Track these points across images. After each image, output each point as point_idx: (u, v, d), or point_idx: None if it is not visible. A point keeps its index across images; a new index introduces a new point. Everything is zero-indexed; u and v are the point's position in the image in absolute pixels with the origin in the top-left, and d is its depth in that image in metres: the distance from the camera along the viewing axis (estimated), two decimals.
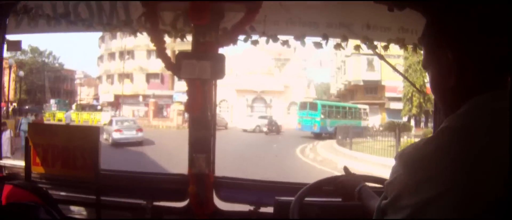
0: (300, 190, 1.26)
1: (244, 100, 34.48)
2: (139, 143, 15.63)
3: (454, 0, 0.76)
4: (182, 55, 1.70)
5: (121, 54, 36.70)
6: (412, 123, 26.38)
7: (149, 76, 36.71)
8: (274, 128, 23.52)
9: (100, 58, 41.26)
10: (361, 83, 33.22)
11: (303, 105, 23.26)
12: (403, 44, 1.94)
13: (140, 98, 35.43)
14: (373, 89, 33.77)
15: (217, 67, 1.67)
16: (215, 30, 1.70)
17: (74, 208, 2.07)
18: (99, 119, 29.86)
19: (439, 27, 0.75)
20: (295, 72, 36.91)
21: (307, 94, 33.86)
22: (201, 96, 1.70)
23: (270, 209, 1.70)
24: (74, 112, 32.63)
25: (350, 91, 37.07)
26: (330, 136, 19.64)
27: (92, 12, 1.84)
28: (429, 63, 0.77)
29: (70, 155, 1.94)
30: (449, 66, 0.70)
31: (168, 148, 14.50)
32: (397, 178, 0.67)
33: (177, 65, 1.70)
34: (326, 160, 12.22)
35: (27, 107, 29.62)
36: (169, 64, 1.73)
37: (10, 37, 1.94)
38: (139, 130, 16.54)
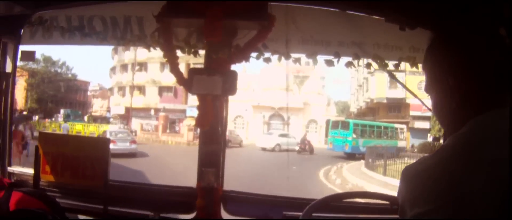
0: (308, 205, 1.27)
1: (261, 117, 33.24)
2: (132, 154, 15.60)
3: (453, 25, 0.79)
4: (194, 71, 1.71)
5: (134, 66, 36.03)
6: (441, 142, 25.77)
7: (162, 90, 35.31)
8: (307, 147, 21.48)
9: (113, 69, 40.11)
10: (385, 101, 31.68)
11: (334, 124, 22.26)
12: (414, 63, 1.95)
13: (152, 112, 34.28)
14: (396, 107, 32.06)
15: (229, 84, 1.68)
16: (228, 47, 1.71)
17: (81, 217, 2.09)
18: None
19: (440, 53, 0.77)
20: (314, 89, 35.48)
21: (327, 112, 33.29)
22: (211, 111, 1.71)
23: None
24: (81, 123, 31.27)
25: (372, 110, 35.59)
26: (364, 156, 17.61)
27: (107, 25, 1.86)
28: (432, 87, 0.79)
29: (80, 165, 1.95)
30: (451, 90, 0.73)
31: (170, 164, 13.86)
32: (400, 192, 0.72)
33: (189, 81, 1.71)
34: (351, 185, 10.94)
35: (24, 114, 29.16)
36: (181, 79, 1.75)
37: (24, 47, 1.97)
38: (133, 141, 16.84)
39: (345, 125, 21.62)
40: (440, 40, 0.78)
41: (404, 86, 2.26)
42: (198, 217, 1.85)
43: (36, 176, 2.00)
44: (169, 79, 31.43)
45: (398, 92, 30.25)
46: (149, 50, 1.90)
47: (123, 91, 37.49)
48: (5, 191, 1.86)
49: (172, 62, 1.73)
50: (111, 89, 40.86)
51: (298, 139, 23.39)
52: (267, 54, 1.83)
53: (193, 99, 28.77)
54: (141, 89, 35.83)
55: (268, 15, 1.69)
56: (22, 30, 1.93)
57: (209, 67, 1.70)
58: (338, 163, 16.78)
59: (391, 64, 1.91)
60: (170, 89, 34.56)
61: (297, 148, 21.76)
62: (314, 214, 1.25)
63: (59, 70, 45.69)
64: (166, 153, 18.04)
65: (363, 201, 1.99)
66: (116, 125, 30.76)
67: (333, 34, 1.86)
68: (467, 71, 0.71)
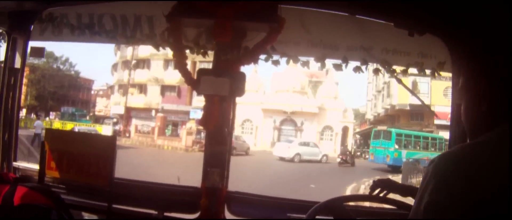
0: (311, 207, 1.27)
1: (271, 121, 30.20)
2: None
3: (486, 29, 0.82)
4: (202, 71, 1.72)
5: (136, 63, 32.77)
6: None
7: (165, 89, 32.52)
8: (348, 158, 19.70)
9: (114, 66, 36.96)
10: (408, 107, 27.93)
11: (376, 134, 20.98)
12: (421, 69, 1.94)
13: (153, 113, 31.40)
14: (418, 115, 28.61)
15: (237, 85, 1.69)
16: (237, 48, 1.72)
17: (85, 214, 2.09)
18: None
19: (474, 55, 0.80)
20: (330, 93, 31.84)
21: (344, 118, 30.71)
22: (217, 112, 1.72)
23: None
24: (72, 123, 27.46)
25: (391, 117, 32.52)
26: None
27: (117, 24, 1.87)
28: (463, 88, 0.83)
29: (85, 162, 1.96)
30: (483, 92, 0.76)
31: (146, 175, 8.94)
32: (424, 180, 0.76)
33: (197, 81, 1.72)
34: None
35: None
36: (189, 79, 1.75)
37: (33, 43, 1.98)
38: None
39: (387, 135, 20.06)
40: (476, 47, 0.84)
41: (411, 92, 2.24)
42: (202, 217, 1.85)
43: (41, 171, 2.01)
44: (173, 77, 30.01)
45: (422, 98, 26.72)
46: (158, 50, 1.91)
47: (124, 89, 34.34)
48: (10, 186, 1.87)
49: (180, 62, 1.74)
50: (111, 88, 37.81)
51: (322, 148, 21.92)
52: (275, 57, 1.83)
53: (198, 101, 27.20)
54: (143, 88, 33.14)
55: (278, 17, 1.70)
56: (32, 26, 1.94)
57: (218, 68, 1.71)
58: (375, 176, 14.25)
59: (399, 70, 1.91)
60: (173, 88, 32.26)
61: (318, 157, 20.21)
62: (317, 217, 1.25)
63: (62, 67, 44.09)
64: (155, 160, 15.38)
65: (367, 205, 1.98)
66: (109, 125, 28.83)
67: (342, 38, 1.86)
68: (500, 74, 0.75)
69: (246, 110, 28.10)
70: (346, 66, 1.84)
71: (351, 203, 1.76)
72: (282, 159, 19.49)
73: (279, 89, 30.67)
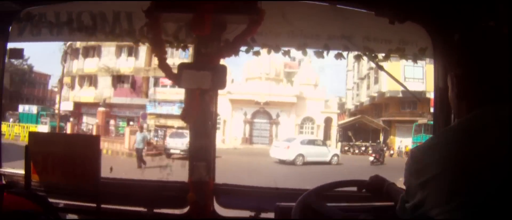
0: (301, 195, 1.27)
1: (241, 114, 25.76)
2: None
3: (454, 25, 0.85)
4: (183, 65, 1.71)
5: (86, 50, 27.08)
6: None
7: (116, 79, 26.92)
8: (381, 157, 17.37)
9: (64, 56, 27.75)
10: (400, 95, 24.10)
11: (417, 129, 19.57)
12: (403, 55, 1.96)
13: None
14: (411, 103, 24.97)
15: (218, 78, 1.69)
16: (217, 41, 1.72)
17: (74, 216, 2.07)
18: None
19: (442, 51, 0.84)
20: (309, 79, 27.37)
21: (327, 109, 26.88)
22: (198, 106, 1.71)
23: (270, 215, 1.71)
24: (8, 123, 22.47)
25: (377, 106, 28.53)
26: None
27: (95, 21, 1.86)
28: (446, 78, 0.91)
29: (70, 163, 1.94)
30: (452, 83, 0.85)
31: None
32: (407, 168, 0.83)
33: (178, 75, 1.71)
34: None
35: None
36: (170, 74, 1.75)
37: (12, 45, 1.95)
38: None
39: (428, 128, 18.00)
40: (453, 32, 0.89)
41: (394, 78, 2.27)
42: (191, 211, 1.85)
43: (27, 176, 1.98)
44: (127, 65, 25.43)
45: (416, 84, 22.81)
46: (138, 46, 1.90)
47: (73, 82, 28.65)
48: None
49: (160, 57, 1.73)
50: (60, 81, 28.20)
51: (331, 148, 19.08)
52: (256, 48, 1.83)
53: (155, 93, 24.69)
54: (92, 79, 27.36)
55: (258, 9, 1.70)
56: (10, 27, 1.92)
57: (198, 62, 1.70)
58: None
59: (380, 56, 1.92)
60: (126, 79, 26.65)
61: (327, 158, 16.90)
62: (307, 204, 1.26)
63: (14, 62, 36.27)
64: None
65: (356, 189, 1.98)
66: (45, 125, 22.35)
67: (323, 27, 1.87)
68: (466, 69, 0.80)
69: None
70: (327, 54, 1.85)
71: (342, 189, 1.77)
72: (281, 162, 15.85)
73: (249, 76, 26.35)
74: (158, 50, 1.72)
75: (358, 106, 32.49)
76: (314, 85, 27.52)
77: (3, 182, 2.17)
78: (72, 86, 28.55)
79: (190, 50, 1.94)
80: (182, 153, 15.03)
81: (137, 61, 26.12)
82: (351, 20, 1.91)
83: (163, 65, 1.72)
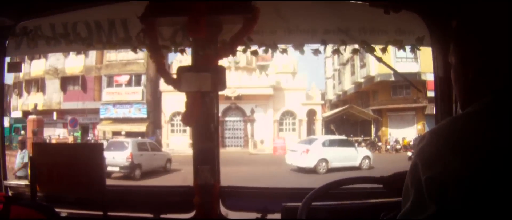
0: (307, 195, 1.26)
1: None
2: None
3: (450, 10, 0.82)
4: (182, 69, 1.71)
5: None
6: None
7: (66, 82, 23.87)
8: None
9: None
10: (392, 78, 20.65)
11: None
12: (401, 46, 1.95)
13: (54, 116, 23.14)
14: (404, 87, 21.94)
15: (218, 79, 1.69)
16: (214, 43, 1.71)
17: None
18: None
19: (439, 39, 0.80)
20: (287, 67, 23.73)
21: (309, 100, 23.52)
22: (199, 108, 1.71)
23: (277, 216, 1.71)
24: None
25: (364, 94, 25.36)
26: None
27: (91, 31, 1.86)
28: (451, 58, 0.84)
29: (75, 173, 1.94)
30: (454, 69, 0.80)
31: None
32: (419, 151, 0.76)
33: (178, 79, 1.71)
34: None
35: None
36: (169, 79, 1.75)
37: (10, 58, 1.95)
38: None
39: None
40: (452, 25, 0.83)
41: (392, 69, 2.25)
42: (197, 215, 1.85)
43: (33, 187, 1.99)
44: (75, 65, 22.70)
45: (410, 66, 19.70)
46: (136, 52, 1.90)
47: (19, 89, 25.31)
48: (3, 206, 1.85)
49: (158, 62, 1.73)
50: (8, 87, 24.97)
51: (360, 148, 15.49)
52: (253, 47, 1.83)
53: (109, 94, 21.90)
54: (39, 84, 24.44)
55: (252, 8, 1.69)
56: (7, 42, 1.92)
57: (197, 64, 1.70)
58: None
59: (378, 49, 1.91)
60: (76, 80, 23.67)
61: (357, 162, 13.71)
62: (313, 203, 1.25)
63: None
64: None
65: (363, 186, 1.98)
66: None
67: (319, 22, 1.87)
68: (467, 53, 0.76)
69: (172, 100, 20.01)
70: (325, 49, 1.84)
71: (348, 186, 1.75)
72: (300, 169, 13.05)
73: None
74: (156, 55, 1.72)
75: (341, 96, 29.29)
76: (292, 73, 23.84)
77: (9, 194, 2.18)
78: (19, 94, 25.24)
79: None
80: (123, 171, 11.50)
81: (87, 59, 23.31)
82: (347, 13, 1.90)
83: (162, 70, 1.72)
